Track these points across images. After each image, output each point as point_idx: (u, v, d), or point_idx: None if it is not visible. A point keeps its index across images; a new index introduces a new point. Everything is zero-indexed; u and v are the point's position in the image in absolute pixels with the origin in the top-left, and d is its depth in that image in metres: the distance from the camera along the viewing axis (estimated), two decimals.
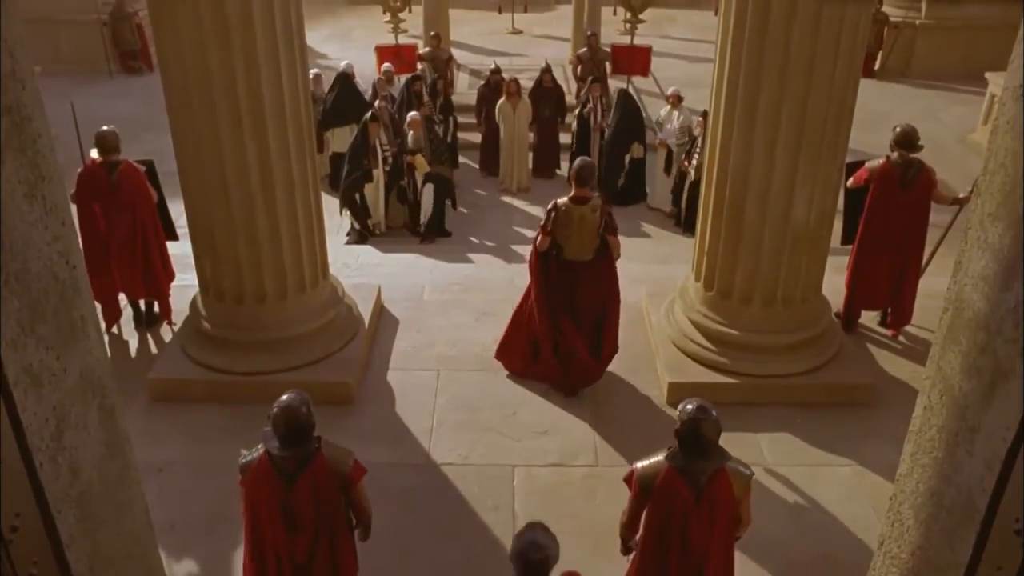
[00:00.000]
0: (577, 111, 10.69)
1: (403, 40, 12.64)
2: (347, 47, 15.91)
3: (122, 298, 6.61)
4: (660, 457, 3.61)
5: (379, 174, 9.22)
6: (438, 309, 6.97)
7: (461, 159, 11.23)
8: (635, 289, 6.76)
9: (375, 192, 9.33)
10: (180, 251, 6.77)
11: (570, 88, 12.56)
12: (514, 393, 5.97)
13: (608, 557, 4.14)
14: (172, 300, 6.61)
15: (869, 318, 6.75)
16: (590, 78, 10.94)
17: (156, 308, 6.68)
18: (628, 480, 3.72)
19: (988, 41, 12.87)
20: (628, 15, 12.97)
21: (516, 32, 17.89)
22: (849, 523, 4.88)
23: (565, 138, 11.00)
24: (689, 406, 3.55)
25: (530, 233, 6.01)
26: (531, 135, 10.73)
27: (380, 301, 6.87)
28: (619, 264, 5.81)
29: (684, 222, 9.45)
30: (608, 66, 12.20)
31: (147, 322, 6.71)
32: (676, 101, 9.80)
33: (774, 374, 5.79)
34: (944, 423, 2.65)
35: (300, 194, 5.73)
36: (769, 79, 5.18)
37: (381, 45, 12.44)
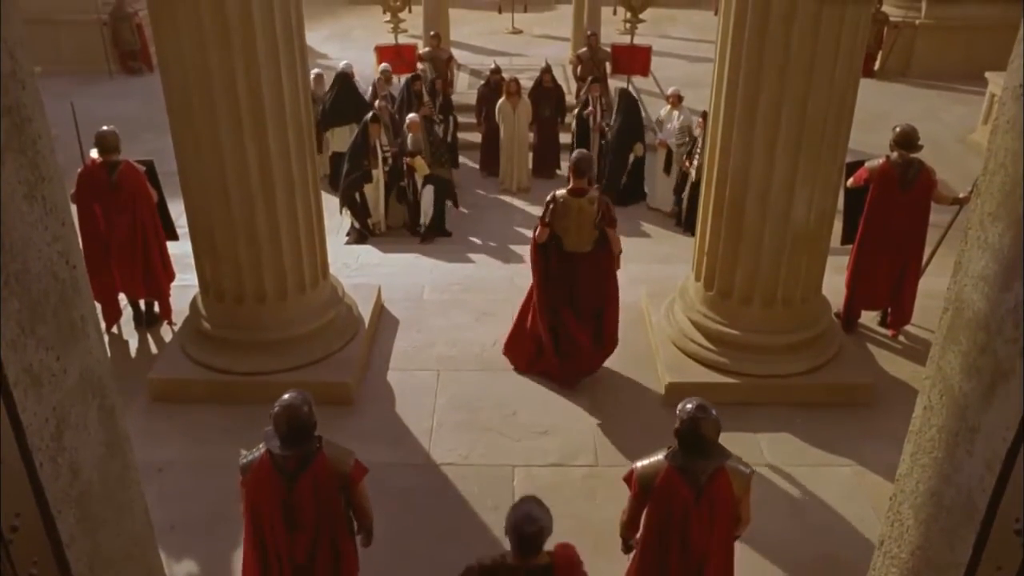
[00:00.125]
0: (576, 111, 10.69)
1: (403, 40, 12.65)
2: (347, 47, 15.90)
3: (122, 298, 6.61)
4: (660, 456, 3.62)
5: (379, 174, 9.22)
6: (438, 309, 6.97)
7: (461, 159, 11.22)
8: (635, 289, 6.76)
9: (375, 192, 9.33)
10: (180, 251, 6.77)
11: (570, 88, 12.55)
12: (514, 393, 5.97)
13: (608, 557, 4.13)
14: (172, 300, 6.61)
15: (869, 318, 6.74)
16: (590, 78, 10.93)
17: (156, 308, 6.68)
18: (628, 479, 3.72)
19: (988, 41, 12.85)
20: (628, 15, 12.97)
21: (516, 32, 17.89)
22: (849, 523, 4.88)
23: (565, 138, 10.99)
24: (688, 405, 3.55)
25: (530, 233, 6.02)
26: (531, 135, 10.73)
27: (380, 301, 6.87)
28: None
29: (684, 222, 9.45)
30: (608, 66, 12.21)
31: (147, 322, 6.71)
32: (676, 101, 9.80)
33: (774, 374, 5.80)
34: (944, 423, 2.65)
35: (300, 194, 5.73)
36: (769, 79, 5.19)
37: (381, 45, 12.45)
